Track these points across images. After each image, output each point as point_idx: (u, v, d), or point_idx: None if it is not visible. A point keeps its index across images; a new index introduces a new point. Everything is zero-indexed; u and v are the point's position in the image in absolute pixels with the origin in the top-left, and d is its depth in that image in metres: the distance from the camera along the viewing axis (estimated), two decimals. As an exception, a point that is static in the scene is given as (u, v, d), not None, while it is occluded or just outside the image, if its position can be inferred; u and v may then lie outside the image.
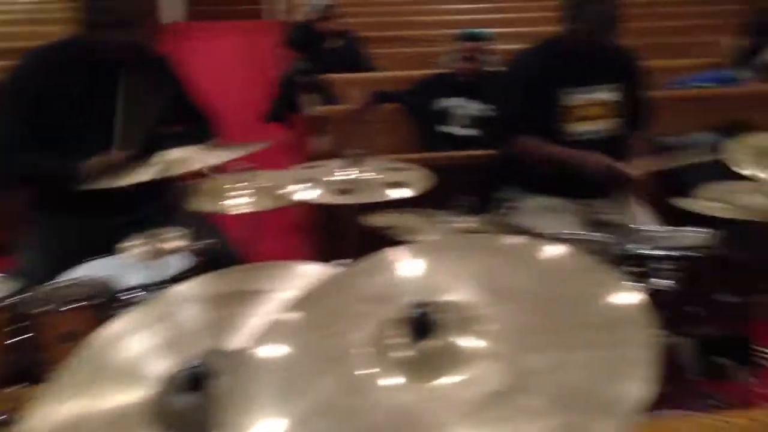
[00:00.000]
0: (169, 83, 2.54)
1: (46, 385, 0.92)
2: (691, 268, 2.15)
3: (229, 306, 0.97)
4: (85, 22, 2.26)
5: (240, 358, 0.85)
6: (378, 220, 2.17)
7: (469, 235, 0.91)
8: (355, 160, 2.06)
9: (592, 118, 2.76)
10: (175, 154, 2.05)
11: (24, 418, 0.87)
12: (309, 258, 3.86)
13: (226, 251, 2.47)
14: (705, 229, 2.21)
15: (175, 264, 1.87)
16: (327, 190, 2.07)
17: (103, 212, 2.25)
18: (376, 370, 0.81)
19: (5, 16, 6.98)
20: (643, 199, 2.88)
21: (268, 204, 2.39)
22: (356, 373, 0.81)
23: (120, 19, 2.20)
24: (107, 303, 1.71)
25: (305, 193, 2.10)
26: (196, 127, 2.59)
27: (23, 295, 1.70)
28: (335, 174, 2.13)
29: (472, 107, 3.59)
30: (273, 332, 0.86)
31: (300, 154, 4.78)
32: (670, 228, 2.44)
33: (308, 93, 3.94)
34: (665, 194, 2.69)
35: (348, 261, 1.24)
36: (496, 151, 2.99)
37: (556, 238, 2.32)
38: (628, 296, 0.80)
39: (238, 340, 0.92)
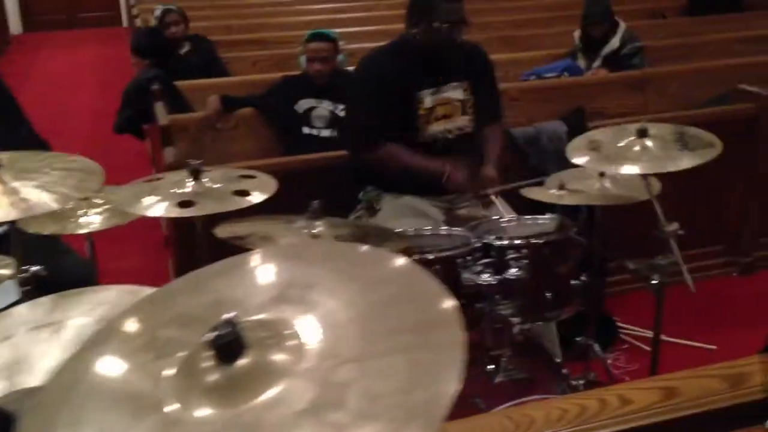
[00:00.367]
0: None
1: None
2: (543, 254, 2.21)
3: (30, 340, 0.88)
4: None
5: (36, 400, 0.77)
6: (230, 229, 2.08)
7: (294, 244, 0.86)
8: (197, 171, 1.97)
9: (446, 117, 2.79)
10: None
11: None
12: (170, 272, 3.73)
13: (70, 274, 2.31)
14: (554, 216, 2.27)
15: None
16: (171, 203, 1.97)
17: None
18: (186, 402, 0.75)
19: None
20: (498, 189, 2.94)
21: (115, 221, 2.27)
22: (165, 410, 0.74)
23: None
24: None
25: (149, 207, 1.99)
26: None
27: None
28: (179, 186, 2.03)
29: (330, 108, 3.56)
30: (68, 370, 0.78)
31: (154, 165, 4.61)
32: (526, 217, 2.50)
33: (159, 101, 3.77)
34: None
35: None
36: (352, 159, 2.95)
37: (416, 236, 2.34)
38: (442, 300, 0.78)
39: (34, 378, 0.82)
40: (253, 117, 3.74)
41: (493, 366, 2.15)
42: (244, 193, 2.00)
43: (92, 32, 11.58)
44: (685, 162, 2.12)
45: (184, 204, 1.93)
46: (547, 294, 2.22)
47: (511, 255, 2.13)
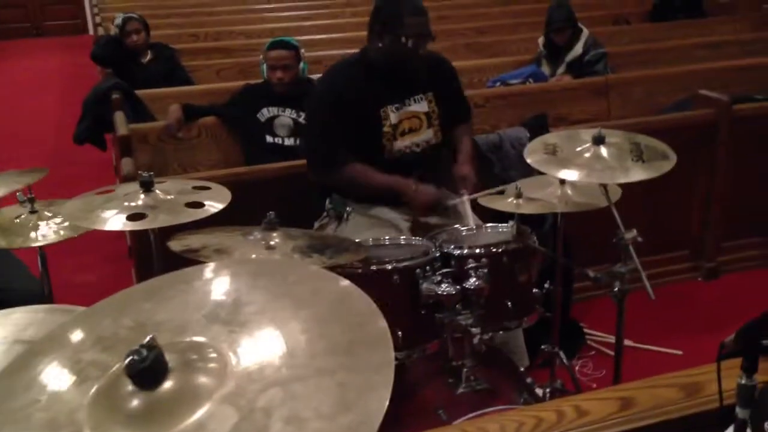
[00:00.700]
0: None
1: None
2: (502, 262, 2.19)
3: None
4: None
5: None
6: (184, 242, 2.03)
7: (226, 262, 0.83)
8: (148, 183, 1.92)
9: (412, 131, 2.75)
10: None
11: None
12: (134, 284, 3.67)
13: (19, 290, 2.26)
14: (512, 224, 2.25)
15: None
16: (122, 215, 1.92)
17: None
18: (103, 430, 0.71)
19: None
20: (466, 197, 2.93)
21: (67, 234, 2.22)
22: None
23: None
24: None
25: (99, 220, 1.94)
26: None
27: None
28: (131, 198, 1.98)
29: (293, 116, 3.53)
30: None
31: (117, 175, 4.54)
32: (487, 225, 2.48)
33: (119, 110, 3.71)
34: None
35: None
36: (315, 174, 2.89)
37: (375, 246, 2.31)
38: (373, 319, 0.75)
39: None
40: (215, 126, 3.70)
41: (454, 377, 2.12)
42: (198, 205, 1.95)
43: (58, 40, 11.45)
44: (639, 174, 2.11)
45: (135, 217, 1.88)
46: (508, 303, 2.21)
47: (471, 264, 2.10)
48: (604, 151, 2.18)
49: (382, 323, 0.76)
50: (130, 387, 0.75)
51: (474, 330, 2.04)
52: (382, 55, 2.68)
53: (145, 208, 1.91)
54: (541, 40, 4.72)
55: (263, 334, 0.79)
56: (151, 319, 0.84)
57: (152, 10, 6.82)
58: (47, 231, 2.16)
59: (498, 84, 4.36)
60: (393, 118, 2.70)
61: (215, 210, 1.96)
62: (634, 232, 2.12)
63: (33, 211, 2.19)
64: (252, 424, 0.69)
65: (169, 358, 0.76)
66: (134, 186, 2.00)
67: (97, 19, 6.74)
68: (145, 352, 0.73)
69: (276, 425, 0.69)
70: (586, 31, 4.57)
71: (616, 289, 2.19)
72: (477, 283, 2.07)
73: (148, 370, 0.73)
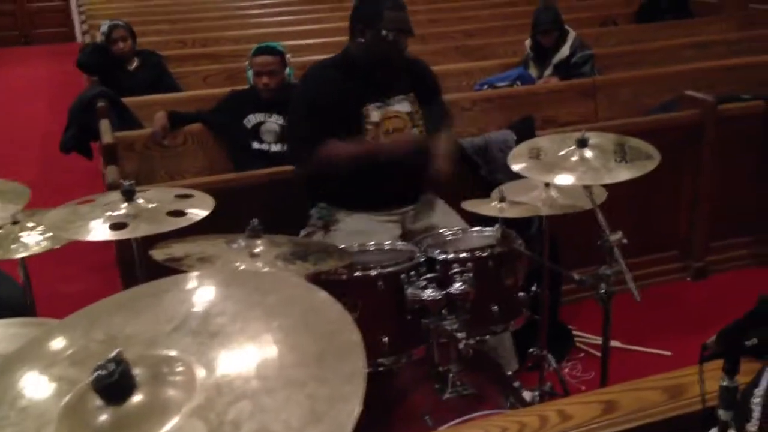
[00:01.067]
0: None
1: None
2: (487, 266, 2.19)
3: None
4: None
5: None
6: (167, 251, 2.02)
7: (197, 273, 0.83)
8: (129, 191, 1.91)
9: (396, 130, 2.75)
10: None
11: None
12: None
13: (4, 301, 2.24)
14: (497, 227, 2.25)
15: None
16: (103, 225, 1.91)
17: None
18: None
19: None
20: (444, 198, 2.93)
21: (48, 245, 2.21)
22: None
23: None
24: None
25: (80, 230, 1.92)
26: None
27: None
28: (112, 207, 1.97)
29: (279, 122, 3.52)
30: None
31: (103, 184, 4.51)
32: (472, 229, 2.48)
33: (104, 118, 3.70)
34: (472, 195, 2.75)
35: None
36: (299, 171, 2.90)
37: (359, 252, 2.31)
38: (344, 330, 0.74)
39: None
40: (202, 133, 3.69)
41: (441, 382, 2.12)
42: (180, 213, 1.94)
43: (46, 48, 11.42)
44: (622, 174, 2.11)
45: (117, 226, 1.87)
46: (493, 307, 2.20)
47: (456, 269, 2.10)
48: (588, 153, 2.18)
49: (354, 333, 0.76)
50: (98, 402, 0.74)
51: (460, 335, 2.04)
52: (364, 50, 2.70)
53: (126, 218, 1.90)
54: (528, 43, 4.73)
55: (233, 345, 0.79)
56: (121, 332, 0.83)
57: (139, 17, 6.80)
58: (29, 242, 2.14)
59: (485, 87, 4.36)
60: (375, 116, 2.70)
61: (198, 218, 1.95)
62: (620, 234, 2.12)
63: (15, 222, 2.17)
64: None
65: (138, 371, 0.75)
66: (116, 195, 1.99)
67: (85, 27, 6.72)
68: (111, 367, 0.72)
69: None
70: (572, 33, 4.58)
71: (601, 291, 2.18)
72: (462, 287, 2.07)
73: (114, 384, 0.72)
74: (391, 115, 2.73)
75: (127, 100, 4.06)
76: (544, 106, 4.04)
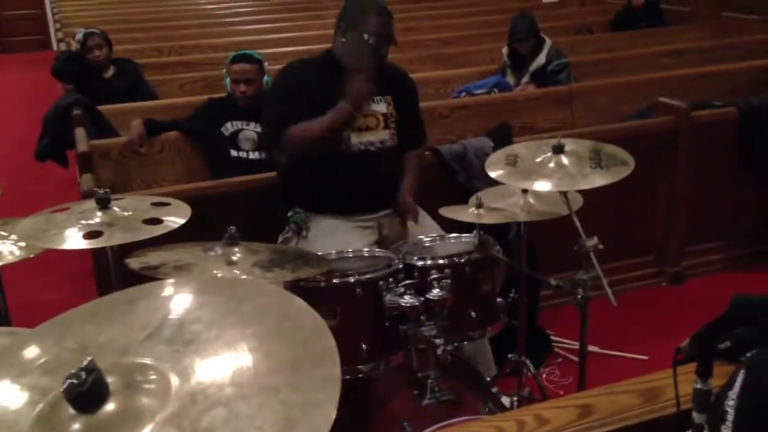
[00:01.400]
0: None
1: None
2: (465, 272, 2.19)
3: None
4: None
5: None
6: (143, 259, 2.01)
7: (170, 281, 0.82)
8: (104, 200, 1.90)
9: (368, 129, 2.75)
10: None
11: None
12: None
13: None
14: (474, 234, 2.25)
15: None
16: (78, 234, 1.89)
17: None
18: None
19: None
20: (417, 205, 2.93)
21: (22, 254, 2.18)
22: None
23: None
24: None
25: (54, 239, 1.90)
26: None
27: None
28: (87, 215, 1.95)
29: (257, 130, 3.51)
30: None
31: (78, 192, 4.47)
32: (450, 236, 2.49)
33: (80, 126, 3.67)
34: (450, 202, 2.76)
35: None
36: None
37: (337, 258, 2.30)
38: (318, 336, 0.74)
39: None
40: (179, 141, 3.67)
41: (419, 388, 2.12)
42: (156, 221, 1.93)
43: (21, 56, 11.33)
44: (598, 180, 2.13)
45: (92, 235, 1.85)
46: (471, 313, 2.21)
47: (434, 275, 2.10)
48: (564, 159, 2.20)
49: (329, 339, 0.76)
50: (70, 411, 0.73)
51: (438, 341, 2.04)
52: (344, 50, 2.72)
53: (101, 226, 1.88)
54: (505, 50, 4.76)
55: (208, 353, 0.78)
56: (94, 341, 0.82)
57: (115, 24, 6.77)
58: (2, 251, 2.12)
59: (463, 94, 4.38)
60: None
61: (174, 226, 1.94)
62: (595, 239, 2.14)
63: (-18, 230, 2.15)
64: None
65: (111, 380, 0.74)
66: (91, 203, 1.98)
67: (60, 35, 6.67)
68: (83, 375, 0.71)
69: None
70: (549, 41, 4.62)
71: (578, 296, 2.20)
72: (440, 293, 2.07)
73: (87, 393, 0.71)
74: (366, 114, 2.74)
75: (103, 108, 4.04)
76: (522, 114, 4.08)
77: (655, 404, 1.47)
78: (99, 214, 1.92)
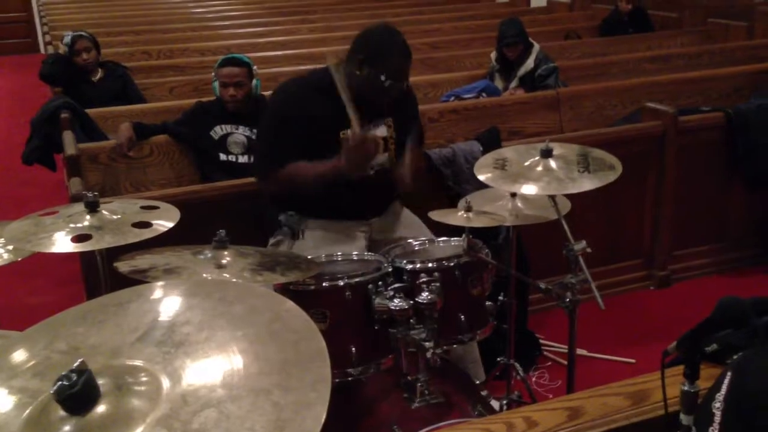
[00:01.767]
0: None
1: None
2: (454, 276, 2.20)
3: None
4: None
5: None
6: (132, 263, 2.00)
7: (160, 284, 0.82)
8: (93, 203, 1.89)
9: None
10: None
11: None
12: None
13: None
14: (463, 237, 2.26)
15: None
16: (66, 237, 1.89)
17: None
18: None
19: None
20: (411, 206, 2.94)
21: (9, 258, 2.17)
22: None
23: None
24: None
25: (43, 243, 1.90)
26: None
27: None
28: (76, 219, 1.95)
29: (247, 133, 3.51)
30: None
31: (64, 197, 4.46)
32: (439, 239, 2.49)
33: (68, 130, 3.65)
34: (439, 206, 2.77)
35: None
36: (260, 186, 2.87)
37: (327, 262, 2.31)
38: (308, 337, 0.75)
39: None
40: (168, 144, 3.66)
41: (409, 391, 2.12)
42: (145, 225, 1.93)
43: (8, 59, 11.26)
44: (586, 184, 2.15)
45: (81, 238, 1.85)
46: (461, 316, 2.21)
47: (423, 278, 2.11)
48: (552, 163, 2.21)
49: (319, 341, 0.76)
50: (61, 413, 0.73)
51: (427, 344, 2.04)
52: (355, 82, 2.58)
53: (90, 229, 1.88)
54: (493, 55, 4.78)
55: (199, 354, 0.78)
56: (84, 343, 0.82)
57: (103, 28, 6.75)
58: (-9, 254, 2.10)
59: (452, 98, 4.39)
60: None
61: (163, 230, 1.93)
62: (584, 243, 2.15)
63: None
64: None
65: (102, 382, 0.74)
66: (79, 207, 1.97)
67: (48, 38, 6.64)
68: (74, 377, 0.71)
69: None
70: (537, 46, 4.64)
71: (567, 300, 2.21)
72: (429, 297, 2.07)
73: (78, 394, 0.71)
74: None
75: (91, 112, 4.02)
76: (510, 118, 4.09)
77: (643, 406, 1.48)
78: (88, 217, 1.92)
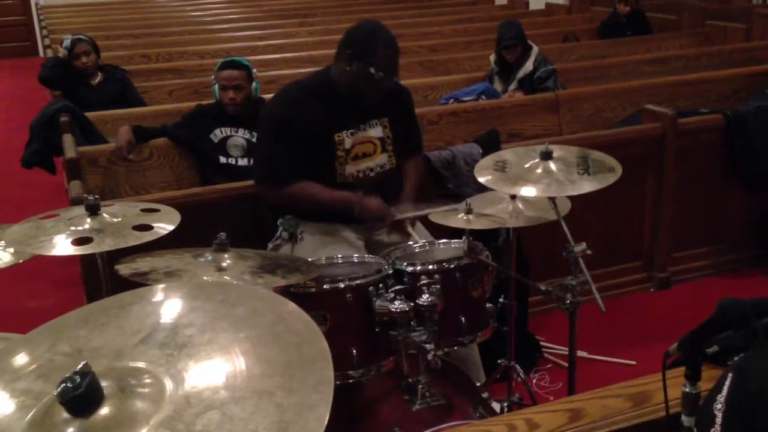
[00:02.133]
0: None
1: None
2: (455, 278, 2.20)
3: None
4: None
5: None
6: (133, 265, 2.00)
7: (162, 286, 0.82)
8: (93, 206, 1.89)
9: (366, 155, 2.73)
10: None
11: None
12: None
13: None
14: (463, 239, 2.26)
15: None
16: (66, 240, 1.89)
17: None
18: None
19: None
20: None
21: (10, 260, 2.17)
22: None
23: None
24: None
25: (43, 245, 1.90)
26: None
27: None
28: (77, 222, 1.95)
29: (246, 136, 3.51)
30: None
31: (67, 199, 4.46)
32: (440, 241, 2.49)
33: (67, 133, 3.66)
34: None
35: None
36: (259, 190, 2.89)
37: (327, 264, 2.31)
38: (311, 339, 0.75)
39: None
40: (167, 147, 3.66)
41: (410, 394, 2.12)
42: (146, 228, 1.93)
43: (8, 63, 11.27)
44: (586, 186, 2.15)
45: (81, 241, 1.85)
46: (461, 318, 2.21)
47: (424, 281, 2.11)
48: (552, 165, 2.22)
49: (322, 342, 0.76)
50: (65, 415, 0.73)
51: (428, 346, 2.04)
52: (346, 79, 2.64)
53: (91, 232, 1.88)
54: (492, 58, 4.79)
55: (202, 356, 0.79)
56: (87, 345, 0.82)
57: (103, 31, 6.76)
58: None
59: (451, 101, 4.40)
60: (347, 143, 2.68)
61: (164, 232, 1.93)
62: (584, 245, 2.15)
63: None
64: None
65: (105, 384, 0.74)
66: (80, 210, 1.97)
67: (47, 41, 6.65)
68: (78, 379, 0.71)
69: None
70: (535, 48, 4.65)
71: (567, 302, 2.21)
72: (430, 299, 2.07)
73: (81, 397, 0.71)
74: (363, 140, 2.72)
75: (90, 115, 4.02)
76: (509, 120, 4.10)
77: (644, 408, 1.48)
78: (88, 220, 1.92)
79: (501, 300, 2.55)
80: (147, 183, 3.63)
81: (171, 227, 1.96)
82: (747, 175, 3.99)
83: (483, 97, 4.38)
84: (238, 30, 6.99)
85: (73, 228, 1.94)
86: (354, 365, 2.09)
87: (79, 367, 0.72)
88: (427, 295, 2.08)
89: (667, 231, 3.91)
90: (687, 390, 1.25)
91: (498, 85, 4.64)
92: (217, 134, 3.53)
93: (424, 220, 2.80)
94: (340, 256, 2.38)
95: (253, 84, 3.50)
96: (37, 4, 10.71)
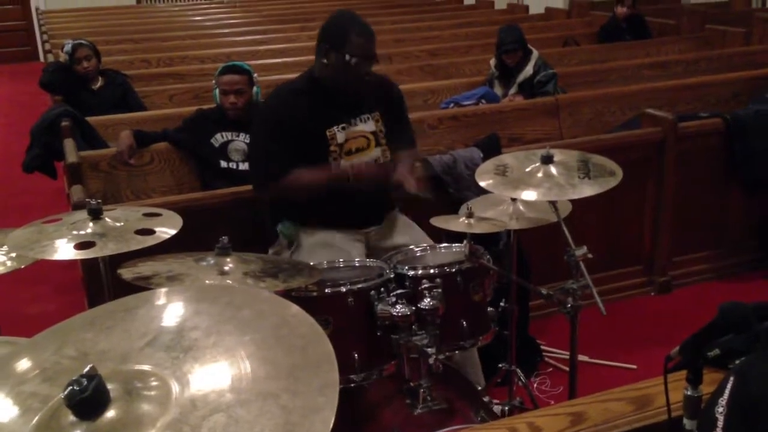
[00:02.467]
0: None
1: None
2: (456, 282, 2.21)
3: None
4: None
5: None
6: (135, 270, 2.00)
7: (167, 290, 0.83)
8: (96, 210, 1.90)
9: (359, 150, 2.75)
10: None
11: None
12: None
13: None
14: (464, 243, 2.27)
15: None
16: (69, 244, 1.89)
17: None
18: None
19: None
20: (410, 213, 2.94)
21: (13, 265, 2.17)
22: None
23: None
24: None
25: (45, 250, 1.90)
26: None
27: None
28: (79, 226, 1.95)
29: (247, 141, 3.51)
30: None
31: (67, 204, 4.46)
32: (441, 245, 2.50)
33: (68, 138, 3.66)
34: (440, 212, 2.77)
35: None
36: (257, 192, 2.89)
37: (329, 269, 2.31)
38: (316, 342, 0.75)
39: None
40: (168, 151, 3.67)
41: (412, 397, 2.12)
42: (148, 232, 1.93)
43: (8, 68, 11.28)
44: (586, 190, 2.16)
45: (84, 245, 1.85)
46: (463, 322, 2.22)
47: (425, 284, 2.12)
48: (552, 169, 2.22)
49: (326, 345, 0.76)
50: (71, 418, 0.74)
51: (430, 350, 2.05)
52: (327, 72, 2.69)
53: (93, 236, 1.88)
54: (492, 62, 4.80)
55: (207, 359, 0.79)
56: (93, 349, 0.83)
57: (103, 36, 6.77)
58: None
59: (451, 105, 4.41)
60: (339, 138, 2.70)
61: (166, 236, 1.94)
62: (584, 248, 2.15)
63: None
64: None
65: (111, 387, 0.75)
66: (82, 214, 1.98)
67: (47, 46, 6.66)
68: (85, 382, 0.72)
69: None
70: (536, 53, 4.66)
71: (568, 305, 2.21)
72: (431, 303, 2.08)
73: (88, 399, 0.71)
74: (355, 135, 2.73)
75: (91, 120, 4.03)
76: (510, 124, 4.11)
77: (646, 411, 1.48)
78: (91, 224, 1.92)
79: (502, 304, 2.56)
80: (148, 187, 3.63)
81: (173, 231, 1.97)
82: (747, 179, 4.00)
83: (483, 101, 4.39)
84: (239, 34, 7.01)
85: (75, 232, 1.94)
86: (356, 369, 2.09)
87: (86, 370, 0.72)
88: (428, 299, 2.09)
89: (668, 235, 3.92)
90: (689, 393, 1.25)
91: (498, 90, 4.65)
92: (218, 139, 3.53)
93: (425, 224, 2.80)
94: (341, 260, 2.39)
95: (254, 88, 3.51)
96: (37, 9, 10.71)
